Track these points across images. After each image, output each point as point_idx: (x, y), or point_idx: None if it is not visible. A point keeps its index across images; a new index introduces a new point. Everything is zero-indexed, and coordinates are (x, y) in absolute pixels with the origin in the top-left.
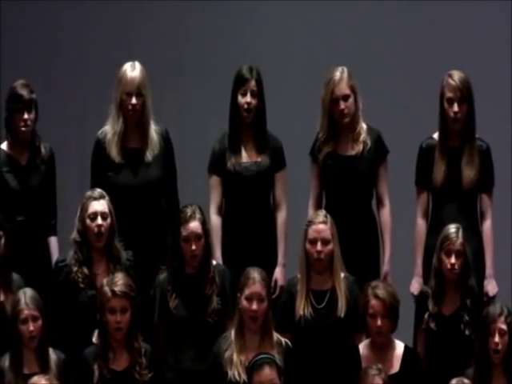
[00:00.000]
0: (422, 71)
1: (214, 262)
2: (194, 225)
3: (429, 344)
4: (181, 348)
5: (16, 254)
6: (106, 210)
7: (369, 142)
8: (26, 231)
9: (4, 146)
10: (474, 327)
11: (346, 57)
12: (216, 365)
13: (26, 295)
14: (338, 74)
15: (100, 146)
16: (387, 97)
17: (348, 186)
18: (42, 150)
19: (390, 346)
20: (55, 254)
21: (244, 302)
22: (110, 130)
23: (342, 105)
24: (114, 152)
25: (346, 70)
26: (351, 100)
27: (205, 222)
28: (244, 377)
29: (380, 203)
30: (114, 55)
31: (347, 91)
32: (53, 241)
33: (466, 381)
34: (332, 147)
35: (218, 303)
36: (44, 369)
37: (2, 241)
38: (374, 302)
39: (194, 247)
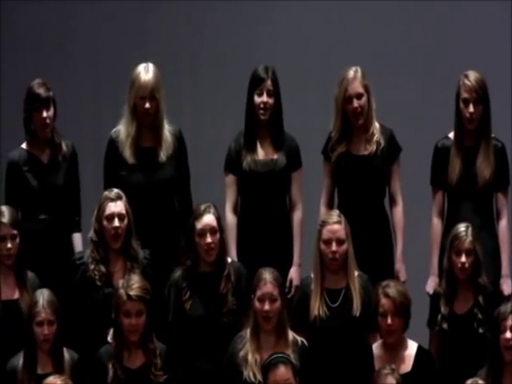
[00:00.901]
0: (436, 70)
1: (229, 260)
2: (209, 218)
3: (442, 345)
4: (196, 347)
5: (40, 253)
6: (123, 211)
7: (382, 141)
8: (49, 230)
9: (24, 145)
10: (488, 325)
11: (360, 56)
12: (231, 365)
13: (44, 297)
14: (351, 73)
15: (113, 145)
16: (400, 96)
17: (361, 184)
18: (64, 147)
19: (402, 346)
20: (79, 251)
21: (256, 303)
22: (123, 131)
23: (356, 103)
24: (127, 153)
25: (359, 69)
26: (364, 99)
27: (219, 218)
28: (259, 377)
29: (392, 201)
30: (129, 55)
31: (360, 89)
32: (77, 237)
33: (480, 382)
34: (345, 147)
35: (234, 303)
36: (58, 369)
37: (17, 239)
38: (384, 300)
39: (209, 240)
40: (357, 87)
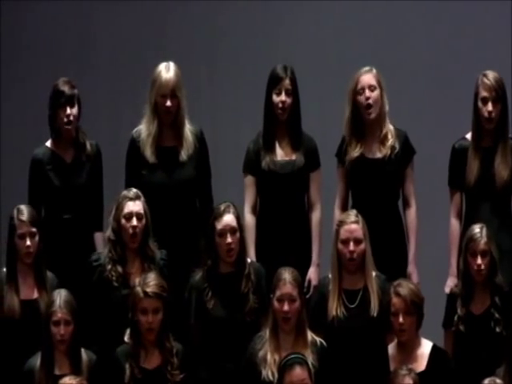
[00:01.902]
0: (450, 71)
1: (249, 260)
2: (229, 218)
3: (458, 345)
4: (219, 348)
5: (62, 252)
6: (142, 210)
7: (397, 146)
8: (73, 229)
9: (49, 144)
10: (505, 325)
11: (377, 56)
12: (250, 364)
13: (61, 297)
14: (365, 68)
15: (134, 145)
16: (415, 97)
17: (374, 187)
18: (88, 146)
19: (417, 345)
20: (100, 250)
21: (276, 304)
22: (144, 130)
23: (367, 93)
24: (148, 152)
25: (373, 67)
26: (377, 92)
27: (239, 218)
28: (278, 376)
29: (406, 204)
30: (148, 55)
31: (373, 82)
32: (99, 237)
33: (498, 381)
34: (359, 150)
35: (255, 302)
36: (75, 370)
37: (37, 238)
38: (395, 299)
39: (229, 240)
40: (369, 79)
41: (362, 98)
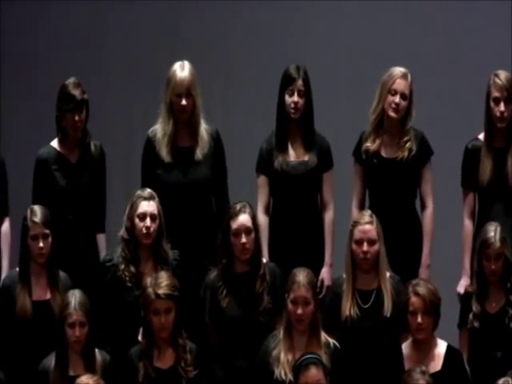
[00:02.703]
0: (465, 71)
1: (264, 260)
2: (244, 218)
3: (473, 343)
4: (233, 347)
5: (65, 253)
6: (156, 211)
7: (414, 147)
8: (76, 229)
9: (55, 143)
10: None
11: (390, 56)
12: (263, 363)
13: (76, 299)
14: (403, 70)
15: (150, 144)
16: (431, 98)
17: (392, 187)
18: (92, 148)
19: (432, 345)
20: (103, 252)
21: (290, 305)
22: (160, 130)
23: (398, 99)
24: (164, 152)
25: (409, 73)
26: (407, 102)
27: (255, 218)
28: (290, 376)
29: (422, 204)
30: (161, 55)
31: (407, 91)
32: (101, 238)
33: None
34: (377, 148)
35: (269, 302)
36: (89, 370)
37: (50, 239)
38: (414, 299)
39: (244, 240)
40: (405, 87)
41: (391, 99)
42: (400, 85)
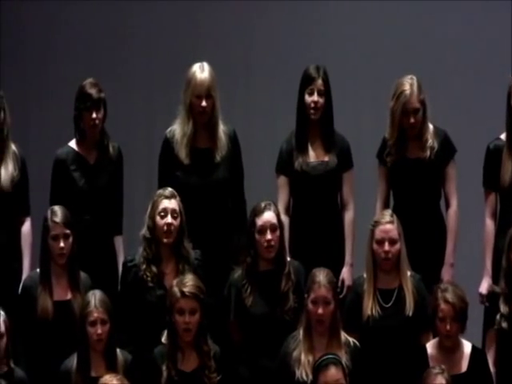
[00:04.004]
0: (488, 72)
1: (289, 259)
2: (269, 215)
3: (501, 344)
4: (258, 346)
5: (83, 253)
6: (177, 208)
7: (436, 145)
8: (93, 230)
9: (73, 144)
10: None
11: (411, 56)
12: (284, 364)
13: (96, 297)
14: (408, 88)
15: (168, 145)
16: (454, 97)
17: (416, 187)
18: (111, 149)
19: (457, 347)
20: (120, 254)
21: (310, 305)
22: (179, 131)
23: (412, 119)
24: (182, 154)
25: (415, 81)
26: (420, 113)
27: (279, 216)
28: (311, 377)
29: (447, 202)
30: (181, 55)
31: (417, 105)
32: (118, 240)
33: None
34: (400, 153)
35: (295, 301)
36: (111, 371)
37: (70, 239)
38: (443, 306)
39: (269, 237)
40: (414, 103)
41: (406, 121)
42: (409, 104)
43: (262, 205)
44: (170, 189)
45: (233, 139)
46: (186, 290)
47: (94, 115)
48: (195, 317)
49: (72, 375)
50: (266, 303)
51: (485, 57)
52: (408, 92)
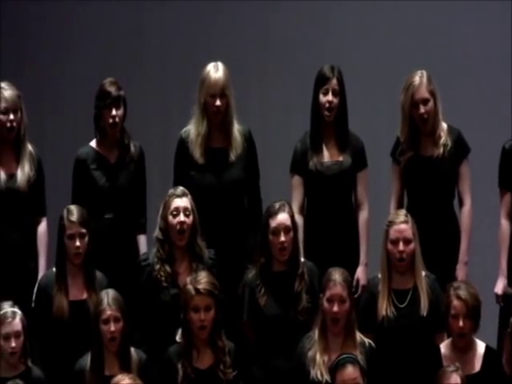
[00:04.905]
0: (504, 71)
1: (302, 259)
2: (283, 216)
3: None
4: (272, 346)
5: (104, 252)
6: (189, 206)
7: (449, 143)
8: (114, 229)
9: (93, 143)
10: None
11: (426, 56)
12: (299, 364)
13: (109, 296)
14: (417, 79)
15: (183, 145)
16: (469, 97)
17: (430, 186)
18: (132, 148)
19: (471, 346)
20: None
21: (325, 304)
22: (193, 131)
23: (422, 109)
24: (197, 153)
25: (425, 74)
26: (431, 104)
27: (293, 217)
28: (326, 377)
29: (460, 202)
30: (196, 55)
31: (427, 95)
32: (142, 239)
33: None
34: (414, 151)
35: (308, 301)
36: (125, 370)
37: (86, 238)
38: (456, 302)
39: (283, 238)
40: (423, 93)
41: (416, 113)
42: (418, 95)
43: (276, 206)
44: (181, 187)
45: (248, 139)
46: (200, 287)
47: (114, 112)
48: (210, 313)
49: (86, 374)
50: (279, 304)
51: (502, 57)
52: (417, 83)
